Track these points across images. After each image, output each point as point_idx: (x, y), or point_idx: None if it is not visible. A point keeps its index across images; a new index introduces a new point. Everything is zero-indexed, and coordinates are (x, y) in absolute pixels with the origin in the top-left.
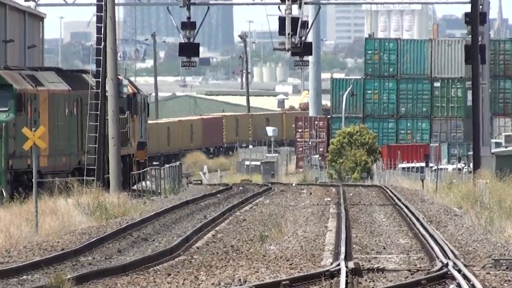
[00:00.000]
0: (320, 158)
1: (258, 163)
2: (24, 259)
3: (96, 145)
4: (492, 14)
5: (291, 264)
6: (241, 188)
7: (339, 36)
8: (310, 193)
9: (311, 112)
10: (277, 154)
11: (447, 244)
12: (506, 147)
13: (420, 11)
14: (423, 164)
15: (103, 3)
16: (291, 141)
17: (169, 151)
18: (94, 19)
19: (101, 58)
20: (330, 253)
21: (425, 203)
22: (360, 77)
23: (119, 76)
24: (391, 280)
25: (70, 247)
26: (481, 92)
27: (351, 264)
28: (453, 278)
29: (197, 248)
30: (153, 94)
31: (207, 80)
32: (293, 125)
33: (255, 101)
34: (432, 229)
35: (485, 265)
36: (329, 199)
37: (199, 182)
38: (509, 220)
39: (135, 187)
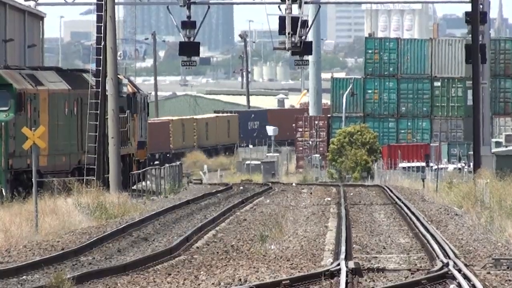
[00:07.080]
0: (320, 157)
1: (259, 162)
2: (24, 259)
3: (96, 145)
4: (493, 13)
5: (291, 264)
6: (241, 187)
7: (339, 35)
8: (311, 193)
9: (311, 112)
10: (277, 154)
11: (447, 244)
12: (506, 146)
13: (420, 11)
14: (423, 164)
15: (103, 2)
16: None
17: None
18: (94, 17)
19: (101, 57)
20: (330, 252)
21: (426, 202)
22: (360, 77)
23: (119, 76)
24: (391, 280)
25: (70, 246)
26: (481, 91)
27: (351, 264)
28: (453, 277)
29: (197, 248)
30: (153, 93)
31: (208, 80)
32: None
33: (255, 101)
34: (433, 228)
35: (485, 265)
36: (329, 198)
37: (199, 181)
38: (509, 219)
39: (135, 186)
